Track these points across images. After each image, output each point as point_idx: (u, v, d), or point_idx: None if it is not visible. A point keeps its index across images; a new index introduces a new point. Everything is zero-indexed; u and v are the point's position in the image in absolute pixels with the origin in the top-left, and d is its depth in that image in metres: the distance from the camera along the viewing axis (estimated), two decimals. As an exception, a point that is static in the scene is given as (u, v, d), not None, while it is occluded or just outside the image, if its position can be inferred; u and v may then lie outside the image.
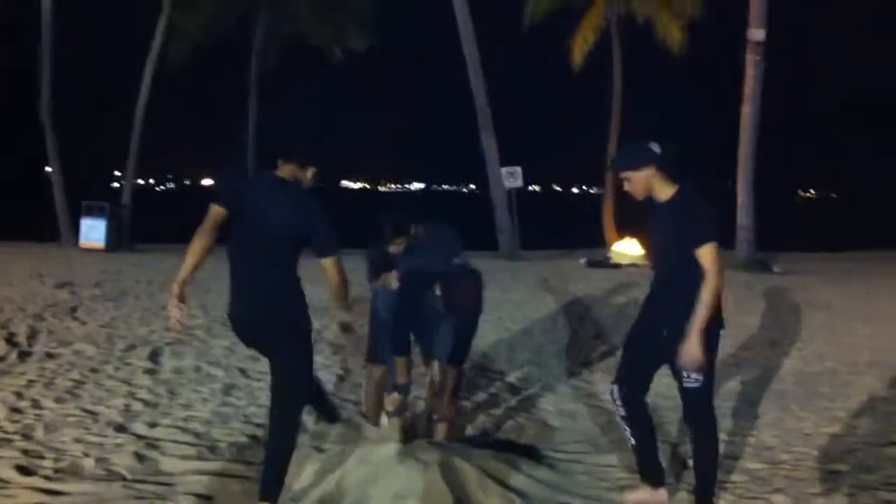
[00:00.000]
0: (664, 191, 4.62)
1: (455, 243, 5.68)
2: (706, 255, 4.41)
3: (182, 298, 4.54)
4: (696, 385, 4.56)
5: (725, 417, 6.81)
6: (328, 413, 5.39)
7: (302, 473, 5.04)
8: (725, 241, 21.34)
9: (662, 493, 4.83)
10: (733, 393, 7.59)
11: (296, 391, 4.67)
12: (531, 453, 5.79)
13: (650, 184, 4.62)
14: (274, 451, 4.54)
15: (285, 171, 4.68)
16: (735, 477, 5.37)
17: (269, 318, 4.57)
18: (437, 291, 5.51)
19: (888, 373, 8.32)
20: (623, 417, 4.85)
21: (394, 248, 5.49)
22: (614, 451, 5.92)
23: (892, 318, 11.78)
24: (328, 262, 4.49)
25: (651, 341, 4.74)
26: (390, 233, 5.45)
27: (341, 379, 7.70)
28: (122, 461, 5.31)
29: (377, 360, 6.02)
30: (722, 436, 6.22)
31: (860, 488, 5.03)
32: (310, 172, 4.75)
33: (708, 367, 4.54)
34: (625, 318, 10.95)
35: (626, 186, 4.71)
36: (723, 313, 4.62)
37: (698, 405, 4.66)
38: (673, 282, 4.61)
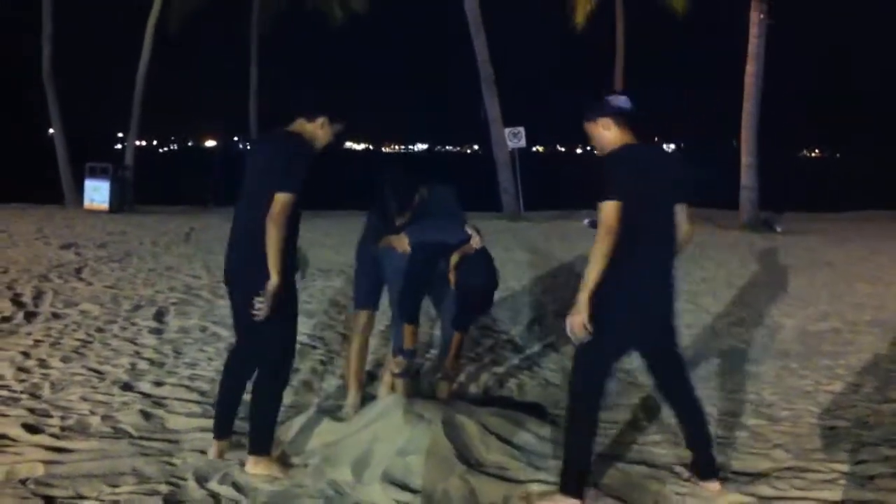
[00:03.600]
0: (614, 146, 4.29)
1: (458, 209, 5.52)
2: (601, 212, 4.05)
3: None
4: (577, 347, 4.23)
5: (726, 375, 6.87)
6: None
7: (307, 432, 5.10)
8: (729, 202, 21.46)
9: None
10: (734, 351, 7.63)
11: (271, 358, 4.64)
12: (533, 411, 5.84)
13: (605, 137, 4.32)
14: (253, 413, 4.69)
15: (296, 126, 4.58)
16: (736, 433, 5.42)
17: (238, 270, 4.53)
18: (451, 276, 5.27)
19: (889, 332, 8.36)
20: None
21: (399, 221, 5.32)
22: (615, 409, 5.97)
23: (894, 278, 11.80)
24: (277, 198, 4.21)
25: None
26: (396, 209, 5.23)
27: (345, 337, 7.73)
28: (129, 419, 5.36)
29: (360, 305, 5.67)
30: (722, 393, 6.30)
31: (860, 444, 5.07)
32: (321, 124, 4.56)
33: (590, 341, 4.10)
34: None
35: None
36: (636, 291, 4.16)
37: (573, 372, 4.33)
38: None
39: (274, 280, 4.26)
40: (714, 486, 4.40)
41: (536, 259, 13.55)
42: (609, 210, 4.01)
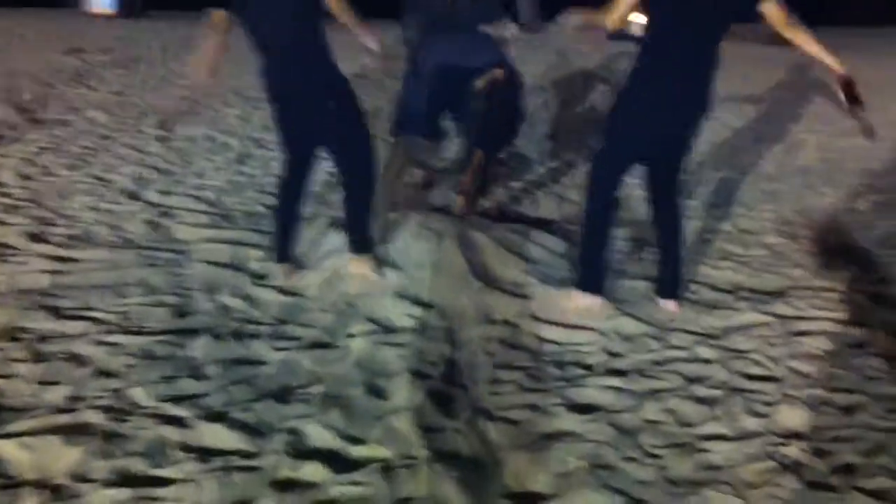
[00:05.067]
0: None
1: (501, 21, 5.25)
2: None
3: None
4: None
5: (745, 192, 6.72)
6: None
7: (319, 244, 5.02)
8: (752, 16, 20.75)
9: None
10: (754, 168, 7.45)
11: (360, 155, 4.48)
12: (546, 225, 5.74)
13: None
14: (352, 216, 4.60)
15: None
16: (754, 251, 5.32)
17: (308, 86, 4.29)
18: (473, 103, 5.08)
19: (915, 150, 8.14)
20: None
21: None
22: (628, 224, 5.86)
23: (922, 95, 11.45)
24: None
25: None
26: None
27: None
28: (135, 228, 5.28)
29: (403, 131, 5.64)
30: (741, 209, 6.17)
31: (880, 264, 4.99)
32: None
33: (602, 150, 4.27)
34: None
35: None
36: (650, 100, 4.28)
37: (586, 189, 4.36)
38: None
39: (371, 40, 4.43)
40: (671, 305, 4.39)
41: (553, 72, 13.18)
42: None
